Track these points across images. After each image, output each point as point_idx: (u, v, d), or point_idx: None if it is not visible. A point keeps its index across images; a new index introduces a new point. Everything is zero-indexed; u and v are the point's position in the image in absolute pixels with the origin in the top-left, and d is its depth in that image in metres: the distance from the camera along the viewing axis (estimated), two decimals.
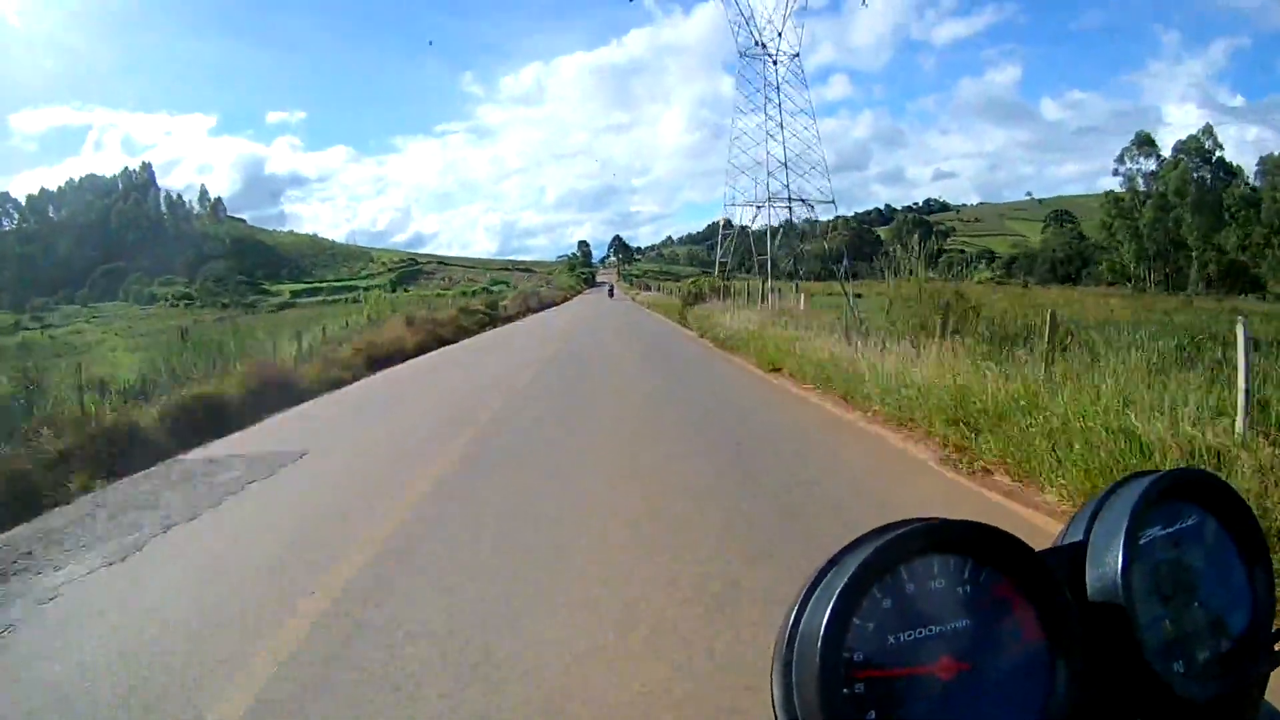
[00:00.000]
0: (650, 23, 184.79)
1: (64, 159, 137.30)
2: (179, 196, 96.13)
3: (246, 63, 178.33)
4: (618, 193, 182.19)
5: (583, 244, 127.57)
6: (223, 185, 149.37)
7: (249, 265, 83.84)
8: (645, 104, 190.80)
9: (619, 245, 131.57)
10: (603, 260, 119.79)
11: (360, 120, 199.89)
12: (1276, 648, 0.50)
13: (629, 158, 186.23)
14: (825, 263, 65.92)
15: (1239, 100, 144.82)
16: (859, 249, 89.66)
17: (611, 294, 55.18)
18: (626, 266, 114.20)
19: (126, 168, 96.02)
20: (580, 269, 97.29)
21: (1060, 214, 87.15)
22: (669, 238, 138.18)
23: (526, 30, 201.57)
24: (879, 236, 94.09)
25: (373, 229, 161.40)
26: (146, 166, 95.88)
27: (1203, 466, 3.13)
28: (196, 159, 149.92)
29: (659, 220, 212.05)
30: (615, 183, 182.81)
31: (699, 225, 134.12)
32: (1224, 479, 0.53)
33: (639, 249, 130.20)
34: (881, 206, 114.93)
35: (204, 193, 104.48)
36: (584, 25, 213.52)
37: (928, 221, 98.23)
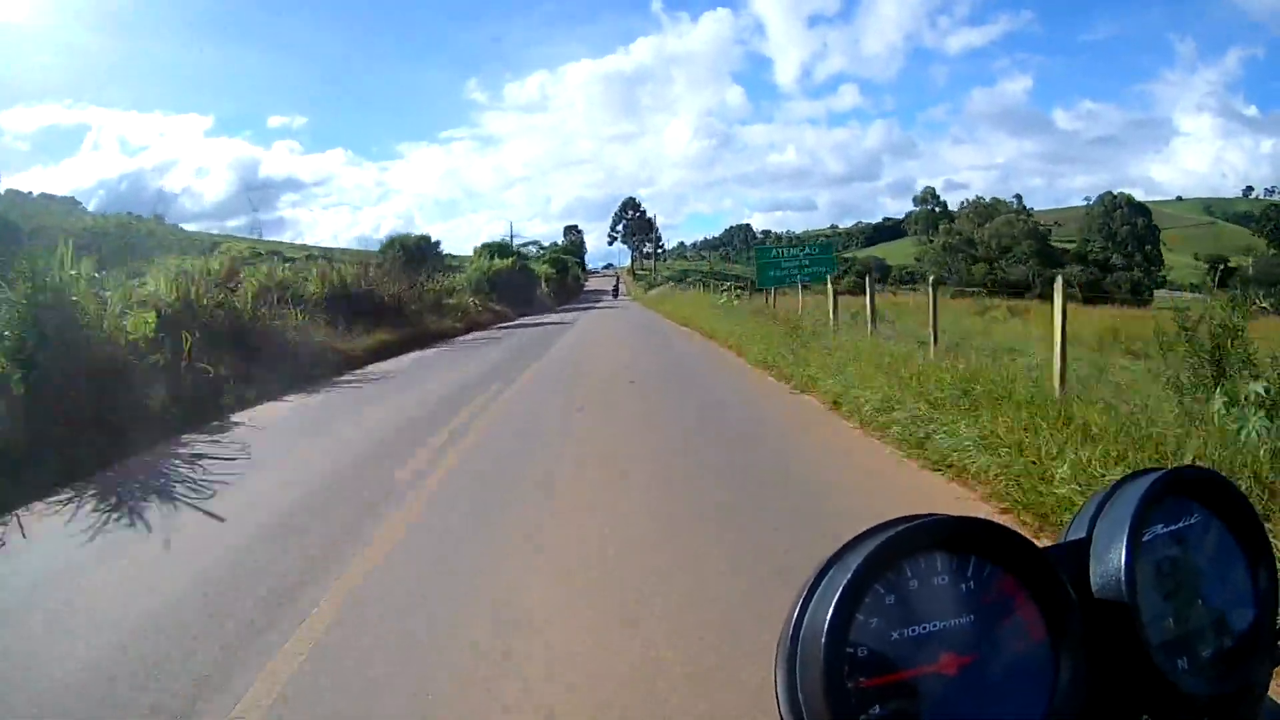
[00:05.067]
0: (658, 30, 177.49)
1: (60, 159, 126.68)
2: None
3: (247, 66, 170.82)
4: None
5: (570, 229, 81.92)
6: (218, 187, 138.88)
7: None
8: (652, 113, 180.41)
9: (635, 219, 78.98)
10: (606, 266, 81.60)
11: (362, 125, 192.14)
12: (1279, 645, 0.51)
13: (635, 168, 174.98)
14: (993, 267, 44.10)
15: (1253, 110, 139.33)
16: (1038, 247, 49.99)
17: (616, 293, 41.72)
18: (648, 261, 77.11)
19: None
20: (539, 265, 40.35)
21: None
22: (680, 243, 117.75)
23: (532, 37, 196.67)
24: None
25: (375, 235, 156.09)
26: None
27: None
28: (192, 161, 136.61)
29: (665, 231, 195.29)
30: (621, 193, 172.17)
31: (707, 236, 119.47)
32: (1227, 477, 0.53)
33: (659, 249, 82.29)
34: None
35: None
36: (590, 33, 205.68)
37: (1145, 209, 58.26)
